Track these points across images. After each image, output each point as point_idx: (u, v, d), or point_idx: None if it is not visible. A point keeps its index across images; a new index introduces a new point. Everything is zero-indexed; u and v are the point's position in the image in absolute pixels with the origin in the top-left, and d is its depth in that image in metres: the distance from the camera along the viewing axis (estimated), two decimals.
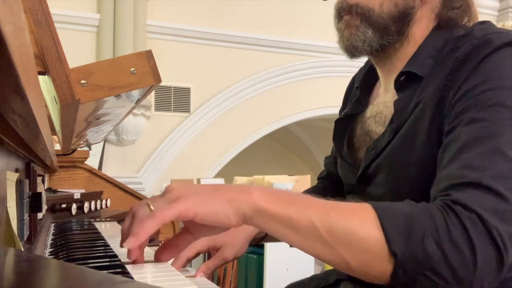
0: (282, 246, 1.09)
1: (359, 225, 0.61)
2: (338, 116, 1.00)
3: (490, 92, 0.68)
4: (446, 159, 0.68)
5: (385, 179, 0.82)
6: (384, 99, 0.89)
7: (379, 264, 0.60)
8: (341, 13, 0.85)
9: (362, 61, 0.98)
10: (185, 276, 0.66)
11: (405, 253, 0.59)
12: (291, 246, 0.94)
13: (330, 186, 1.10)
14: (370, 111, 0.92)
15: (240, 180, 2.52)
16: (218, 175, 4.38)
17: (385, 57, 0.86)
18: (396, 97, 0.83)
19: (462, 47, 0.74)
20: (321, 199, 0.66)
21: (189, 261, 0.89)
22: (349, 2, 0.83)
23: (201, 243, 0.88)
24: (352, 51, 0.85)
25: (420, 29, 0.83)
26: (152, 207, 0.62)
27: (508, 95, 0.68)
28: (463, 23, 0.84)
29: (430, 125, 0.74)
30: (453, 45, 0.78)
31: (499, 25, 5.79)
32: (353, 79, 1.05)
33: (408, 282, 0.60)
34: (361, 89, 0.96)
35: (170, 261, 0.84)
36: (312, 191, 1.11)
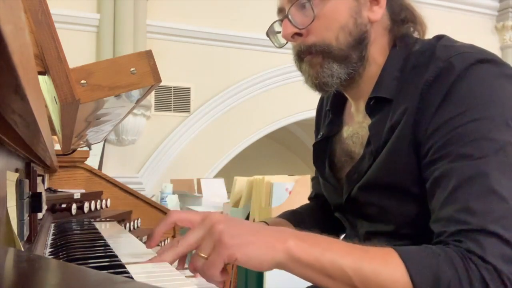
0: None
1: (389, 275, 0.65)
2: (315, 140, 1.02)
3: (470, 125, 0.71)
4: (442, 197, 0.71)
5: (372, 199, 0.85)
6: (357, 120, 0.92)
7: None
8: (301, 55, 0.86)
9: None
10: (185, 276, 0.66)
11: None
12: None
13: (318, 206, 1.11)
14: (346, 132, 0.94)
15: (240, 180, 2.52)
16: (218, 175, 4.38)
17: (352, 83, 0.88)
18: (368, 117, 0.86)
19: (429, 70, 0.76)
20: (350, 244, 0.69)
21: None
22: (306, 43, 0.84)
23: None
24: (323, 88, 0.86)
25: (378, 48, 0.86)
26: (203, 255, 0.66)
27: (487, 126, 0.70)
28: (416, 34, 0.88)
29: (408, 149, 0.77)
30: (414, 62, 0.80)
31: (499, 25, 5.79)
32: (321, 100, 1.08)
33: None
34: (332, 111, 0.98)
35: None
36: (305, 208, 1.13)
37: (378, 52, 0.86)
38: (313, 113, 4.22)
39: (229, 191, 2.91)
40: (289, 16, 0.84)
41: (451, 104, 0.73)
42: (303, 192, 2.18)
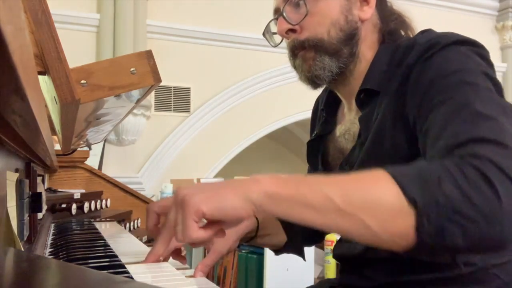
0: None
1: (373, 185, 0.60)
2: (309, 138, 1.05)
3: (448, 79, 0.72)
4: (431, 140, 0.69)
5: None
6: (349, 118, 0.95)
7: (401, 218, 0.57)
8: (295, 51, 0.90)
9: None
10: (185, 276, 0.66)
11: (424, 198, 0.57)
12: (276, 253, 0.94)
13: None
14: (339, 130, 0.97)
15: None
16: (218, 175, 4.38)
17: (343, 79, 0.91)
18: (360, 114, 0.88)
19: (411, 55, 0.80)
20: (327, 175, 0.66)
21: (179, 255, 0.89)
22: (299, 38, 0.88)
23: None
24: (314, 81, 0.90)
25: (368, 46, 0.90)
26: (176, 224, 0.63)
27: (465, 75, 0.72)
28: (404, 34, 0.91)
29: (393, 130, 0.79)
30: (400, 55, 0.83)
31: (499, 25, 5.79)
32: (317, 101, 1.11)
33: (437, 233, 0.56)
34: (326, 111, 1.02)
35: (170, 261, 0.84)
36: None
37: (367, 49, 0.90)
38: None
39: None
40: (284, 14, 0.89)
41: (432, 69, 0.75)
42: None
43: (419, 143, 0.74)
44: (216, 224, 0.63)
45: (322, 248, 2.09)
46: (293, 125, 5.87)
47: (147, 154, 4.26)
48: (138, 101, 0.78)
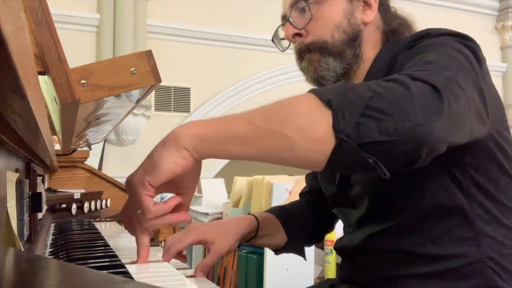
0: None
1: (292, 101, 0.62)
2: None
3: (429, 47, 0.76)
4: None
5: (357, 178, 0.89)
6: None
7: (319, 122, 0.59)
8: (301, 53, 0.95)
9: None
10: (185, 276, 0.66)
11: (338, 98, 0.59)
12: (276, 253, 0.96)
13: (313, 200, 1.14)
14: None
15: (240, 180, 2.52)
16: (218, 175, 4.38)
17: (347, 80, 0.93)
18: None
19: (405, 42, 0.85)
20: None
21: (180, 255, 0.90)
22: (305, 42, 0.93)
23: (192, 237, 0.89)
24: (320, 81, 0.93)
25: (371, 47, 0.94)
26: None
27: (436, 46, 0.76)
28: (407, 34, 0.93)
29: None
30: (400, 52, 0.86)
31: (499, 25, 5.79)
32: None
33: (355, 130, 0.58)
34: None
35: (170, 261, 0.84)
36: (294, 205, 1.15)
37: (370, 51, 0.94)
38: None
39: (229, 191, 2.91)
40: (290, 19, 0.94)
41: (418, 48, 0.79)
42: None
43: None
44: (173, 197, 0.66)
45: (322, 248, 2.09)
46: None
47: (147, 154, 4.26)
48: (138, 101, 0.78)
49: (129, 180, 0.65)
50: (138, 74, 0.63)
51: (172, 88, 4.36)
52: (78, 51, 3.73)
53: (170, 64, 4.26)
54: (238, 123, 0.62)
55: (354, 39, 0.92)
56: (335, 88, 0.62)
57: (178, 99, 4.40)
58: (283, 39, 1.00)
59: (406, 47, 0.83)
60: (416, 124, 0.57)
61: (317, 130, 0.59)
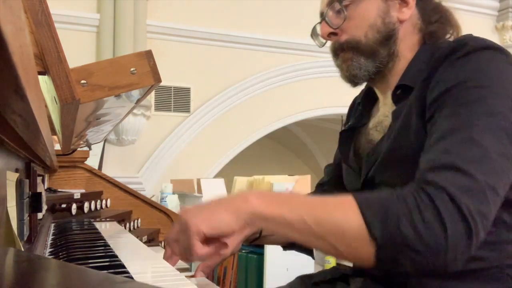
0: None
1: (343, 215, 0.70)
2: (342, 129, 1.10)
3: (470, 90, 0.77)
4: (427, 146, 0.77)
5: (386, 178, 0.88)
6: (383, 111, 0.98)
7: (364, 248, 0.69)
8: (337, 51, 0.97)
9: None
10: (185, 276, 0.66)
11: (383, 237, 0.67)
12: (284, 249, 0.98)
13: (330, 192, 1.14)
14: (372, 122, 1.01)
15: (240, 180, 2.52)
16: (218, 175, 4.38)
17: (381, 77, 0.96)
18: (394, 108, 0.92)
19: (442, 49, 0.85)
20: (310, 197, 0.78)
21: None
22: (340, 41, 0.95)
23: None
24: (352, 80, 0.96)
25: (407, 45, 0.94)
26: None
27: (485, 93, 0.76)
28: (447, 36, 0.94)
29: (417, 120, 0.83)
30: (439, 55, 0.86)
31: (499, 25, 5.79)
32: (354, 99, 1.16)
33: (392, 262, 0.68)
34: (363, 105, 1.07)
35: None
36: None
37: (407, 49, 0.94)
38: (313, 114, 4.23)
39: (229, 191, 2.91)
40: (326, 18, 0.96)
41: (457, 73, 0.79)
42: (303, 192, 2.18)
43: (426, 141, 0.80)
44: (216, 238, 0.72)
45: None
46: (293, 125, 5.88)
47: (147, 154, 4.26)
48: (138, 101, 0.78)
49: (186, 220, 0.71)
50: (138, 74, 0.63)
51: (172, 88, 4.36)
52: (78, 51, 3.73)
53: (170, 64, 4.26)
54: (293, 216, 0.71)
55: (388, 38, 0.93)
56: (382, 214, 0.68)
57: (178, 99, 4.40)
58: None
59: (448, 53, 0.82)
60: (447, 262, 0.67)
61: (361, 253, 0.70)
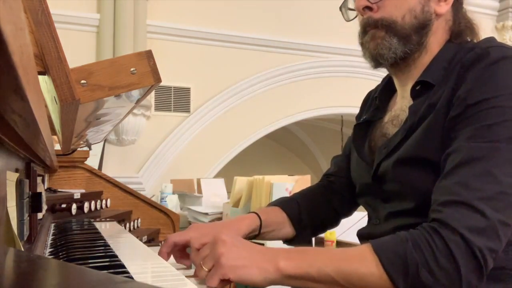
0: (282, 245, 1.10)
1: (366, 269, 0.74)
2: (356, 122, 1.10)
3: (493, 110, 0.77)
4: (446, 170, 0.78)
5: (399, 175, 0.88)
6: (401, 105, 0.98)
7: None
8: (367, 28, 0.95)
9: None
10: (185, 276, 0.66)
11: (406, 287, 0.72)
12: (284, 242, 1.02)
13: (337, 182, 1.15)
14: (388, 116, 1.01)
15: (240, 180, 2.52)
16: (218, 175, 4.38)
17: (405, 66, 0.95)
18: (411, 102, 0.92)
19: (468, 56, 0.85)
20: (331, 250, 0.85)
21: (183, 254, 0.93)
22: (374, 17, 0.93)
23: (191, 234, 0.90)
24: (377, 59, 0.94)
25: (436, 40, 0.94)
26: (205, 268, 0.76)
27: (509, 115, 0.77)
28: (470, 39, 0.95)
29: (443, 126, 0.83)
30: (462, 56, 0.87)
31: (499, 25, 5.80)
32: (369, 94, 1.17)
33: None
34: (380, 98, 1.06)
35: (170, 261, 0.84)
36: (314, 189, 1.17)
37: (435, 43, 0.94)
38: (313, 114, 4.21)
39: (229, 191, 2.90)
40: None
41: (481, 87, 0.79)
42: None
43: (441, 159, 0.81)
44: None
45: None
46: (293, 125, 5.88)
47: (147, 154, 4.26)
48: (138, 101, 0.78)
49: (221, 256, 0.75)
50: (138, 74, 0.63)
51: (172, 88, 4.36)
52: (78, 51, 3.73)
53: (170, 64, 4.26)
54: (322, 275, 0.74)
55: (423, 26, 0.92)
56: (403, 268, 0.72)
57: (178, 99, 4.40)
58: (350, 9, 1.01)
59: (474, 60, 0.83)
60: None
61: None
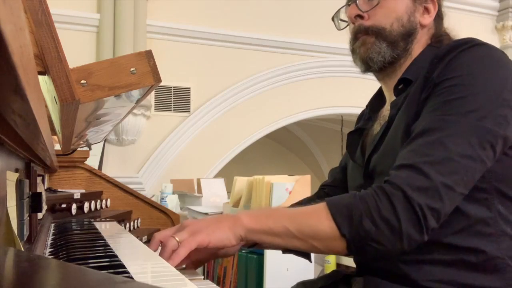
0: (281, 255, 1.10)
1: (318, 221, 0.85)
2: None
3: (455, 87, 0.85)
4: (404, 145, 0.87)
5: (386, 168, 0.91)
6: (387, 106, 1.05)
7: (338, 244, 0.85)
8: (358, 34, 1.03)
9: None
10: (185, 276, 0.66)
11: (350, 234, 0.83)
12: (283, 252, 1.09)
13: (332, 193, 1.18)
14: (377, 122, 1.08)
15: (240, 180, 2.52)
16: (218, 175, 4.38)
17: (392, 71, 1.03)
18: None
19: (442, 48, 0.94)
20: (291, 208, 0.97)
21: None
22: (365, 24, 1.02)
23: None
24: (367, 62, 1.02)
25: (419, 47, 1.03)
26: (178, 239, 0.83)
27: (469, 91, 0.84)
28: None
29: (416, 113, 0.90)
30: (439, 52, 0.94)
31: (499, 25, 5.79)
32: (364, 110, 1.23)
33: (360, 252, 0.86)
34: (371, 109, 1.14)
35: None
36: (311, 199, 1.20)
37: (419, 50, 1.02)
38: (313, 114, 4.22)
39: (229, 191, 2.91)
40: (357, 1, 1.03)
41: (448, 69, 0.88)
42: (303, 192, 2.18)
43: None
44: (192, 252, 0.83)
45: None
46: (293, 125, 5.88)
47: (147, 154, 4.26)
48: (138, 101, 0.79)
49: (192, 226, 0.86)
50: (138, 74, 0.63)
51: (172, 88, 4.36)
52: (78, 51, 3.73)
53: (170, 64, 4.26)
54: (278, 226, 0.86)
55: (409, 34, 1.01)
56: (349, 216, 0.83)
57: (178, 99, 4.40)
58: (342, 20, 1.11)
59: (448, 50, 0.90)
60: (403, 248, 0.82)
61: (336, 247, 0.86)
